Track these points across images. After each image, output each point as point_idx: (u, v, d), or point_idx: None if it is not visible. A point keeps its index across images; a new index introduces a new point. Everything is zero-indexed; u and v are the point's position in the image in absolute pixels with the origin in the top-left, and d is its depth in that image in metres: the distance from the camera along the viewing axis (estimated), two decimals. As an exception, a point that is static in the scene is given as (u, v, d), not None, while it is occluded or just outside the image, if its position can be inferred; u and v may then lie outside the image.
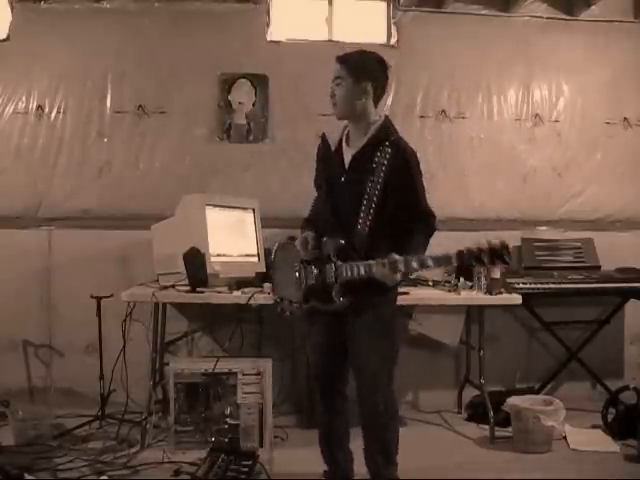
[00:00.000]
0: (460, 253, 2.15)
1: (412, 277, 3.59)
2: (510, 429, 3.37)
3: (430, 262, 2.23)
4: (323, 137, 2.61)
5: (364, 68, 2.44)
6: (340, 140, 2.53)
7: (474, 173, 4.14)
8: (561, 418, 3.32)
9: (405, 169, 2.39)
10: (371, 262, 2.28)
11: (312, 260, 2.49)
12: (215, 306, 3.42)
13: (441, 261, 2.23)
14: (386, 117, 2.52)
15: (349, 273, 2.34)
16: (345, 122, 2.55)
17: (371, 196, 2.35)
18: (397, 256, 2.23)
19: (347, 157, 2.47)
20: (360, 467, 2.63)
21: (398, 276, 2.26)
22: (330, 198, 2.50)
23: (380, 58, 2.50)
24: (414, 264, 2.24)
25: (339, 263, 2.37)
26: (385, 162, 2.35)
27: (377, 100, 2.49)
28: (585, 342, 4.00)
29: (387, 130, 2.45)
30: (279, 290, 2.69)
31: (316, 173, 2.66)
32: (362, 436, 2.54)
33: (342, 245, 2.39)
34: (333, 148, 2.53)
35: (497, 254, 2.11)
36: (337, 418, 2.67)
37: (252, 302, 3.10)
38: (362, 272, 2.30)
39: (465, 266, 2.23)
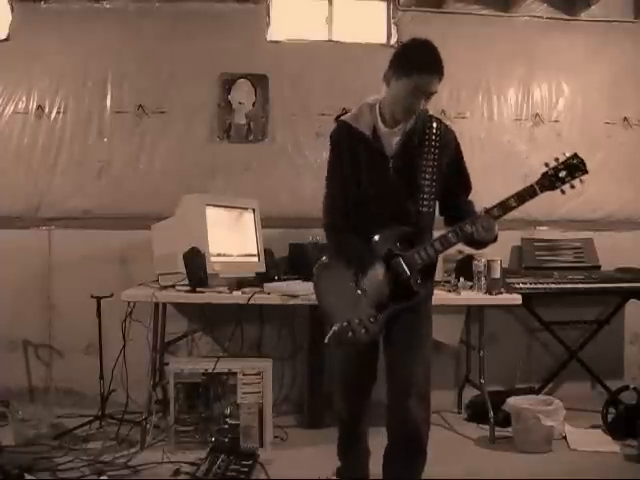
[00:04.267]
0: (542, 179, 2.15)
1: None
2: (510, 429, 3.37)
3: (513, 201, 2.19)
4: (346, 124, 2.34)
5: None
6: (373, 123, 2.31)
7: (474, 173, 4.11)
8: (561, 418, 3.32)
9: (456, 145, 2.38)
10: (450, 231, 2.22)
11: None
12: (215, 306, 3.42)
13: (524, 195, 2.18)
14: None
15: (424, 257, 2.24)
16: (367, 100, 2.36)
17: (429, 177, 2.28)
18: (484, 208, 2.21)
19: (390, 140, 2.30)
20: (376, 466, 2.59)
21: (496, 225, 2.21)
22: (377, 189, 2.29)
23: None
24: (496, 211, 2.20)
25: (407, 254, 2.25)
26: (436, 141, 2.29)
27: None
28: (585, 342, 4.00)
29: (426, 110, 2.33)
30: (341, 316, 2.31)
31: (340, 167, 2.34)
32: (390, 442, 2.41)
33: (406, 231, 2.27)
34: (369, 133, 2.29)
35: (573, 166, 2.13)
36: (365, 417, 2.60)
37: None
38: (439, 249, 2.24)
39: (551, 188, 2.17)
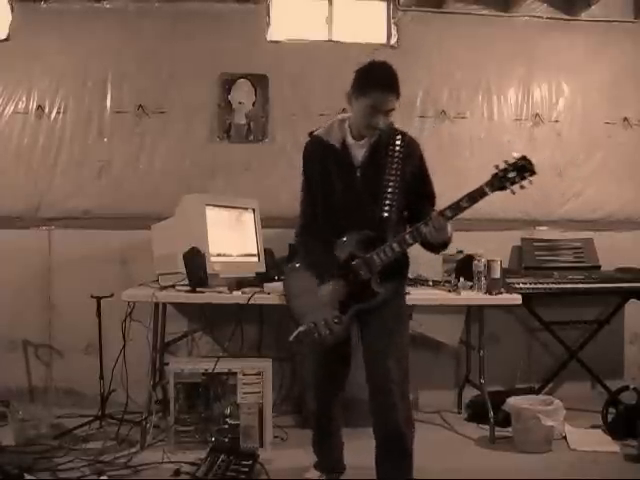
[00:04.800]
0: (492, 180, 2.25)
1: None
2: (510, 429, 3.36)
3: (464, 202, 2.28)
4: (318, 138, 2.53)
5: None
6: (342, 137, 2.49)
7: (474, 173, 4.13)
8: (561, 418, 3.32)
9: (420, 157, 2.52)
10: (407, 232, 2.34)
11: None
12: (215, 306, 3.41)
13: (475, 195, 2.28)
14: None
15: (382, 258, 2.37)
16: (338, 117, 2.55)
17: (392, 185, 2.42)
18: (437, 210, 2.31)
19: (358, 151, 2.47)
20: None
21: (449, 226, 2.30)
22: (345, 196, 2.45)
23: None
24: (448, 212, 2.29)
25: (367, 256, 2.38)
26: (400, 152, 2.45)
27: None
28: (585, 342, 4.00)
29: (391, 123, 2.49)
30: (308, 317, 2.45)
31: (310, 177, 2.55)
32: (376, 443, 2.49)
33: (368, 235, 2.40)
34: (338, 145, 2.48)
35: (522, 167, 2.23)
36: (337, 413, 2.74)
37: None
38: (396, 249, 2.35)
39: (501, 189, 2.26)
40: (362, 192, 2.44)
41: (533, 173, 2.25)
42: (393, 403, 2.39)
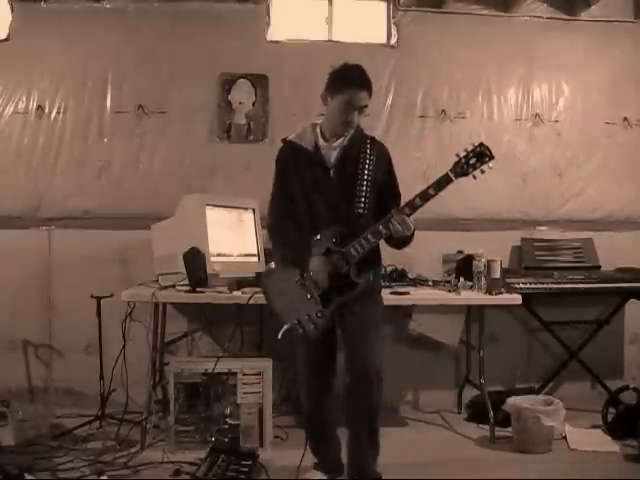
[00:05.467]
0: (454, 167, 2.43)
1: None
2: (510, 429, 3.36)
3: (432, 190, 2.43)
4: (291, 142, 2.67)
5: None
6: (315, 140, 2.64)
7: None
8: (561, 418, 3.32)
9: (388, 159, 2.69)
10: (380, 223, 2.47)
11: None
12: (215, 306, 3.41)
13: (441, 183, 2.43)
14: None
15: (359, 250, 2.49)
16: (310, 122, 2.70)
17: (364, 184, 2.57)
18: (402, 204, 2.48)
19: (330, 153, 2.62)
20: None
21: (411, 222, 2.45)
22: (319, 195, 2.59)
23: None
24: (418, 200, 2.44)
25: (344, 249, 2.50)
26: (370, 154, 2.61)
27: None
28: (585, 342, 4.00)
29: (359, 126, 2.65)
30: (291, 316, 2.55)
31: (284, 179, 2.68)
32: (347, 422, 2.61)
33: (342, 231, 2.52)
34: (311, 148, 2.62)
35: (481, 153, 2.42)
36: (329, 413, 2.77)
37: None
38: (371, 240, 2.48)
39: (464, 174, 2.44)
40: (336, 191, 2.59)
41: (491, 158, 2.42)
42: (370, 391, 2.52)
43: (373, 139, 2.68)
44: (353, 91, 2.49)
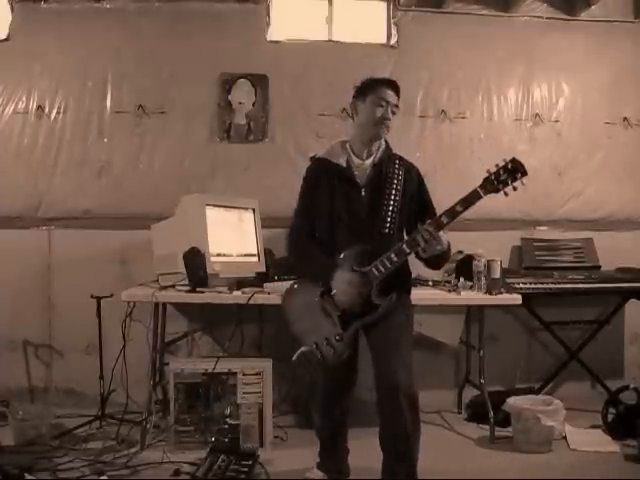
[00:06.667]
0: (484, 183, 2.32)
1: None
2: (510, 429, 3.36)
3: (459, 207, 2.34)
4: (323, 159, 2.64)
5: None
6: (346, 157, 2.61)
7: (474, 173, 4.12)
8: (561, 418, 3.32)
9: (420, 179, 2.66)
10: (404, 242, 2.39)
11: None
12: (215, 306, 3.41)
13: (469, 200, 2.34)
14: None
15: (382, 270, 2.41)
16: (337, 140, 2.68)
17: (392, 204, 2.54)
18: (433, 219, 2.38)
19: (361, 172, 2.59)
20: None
21: (444, 236, 2.38)
22: (347, 213, 2.55)
23: None
24: (444, 218, 2.35)
25: (366, 269, 2.42)
26: (400, 173, 2.58)
27: None
28: (585, 342, 4.00)
29: (387, 143, 2.65)
30: (309, 338, 2.48)
31: (313, 195, 2.61)
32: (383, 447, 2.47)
33: (366, 250, 2.45)
34: (344, 164, 2.60)
35: (512, 169, 2.30)
36: (341, 428, 2.77)
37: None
38: (394, 260, 2.39)
39: (495, 191, 2.33)
40: (365, 209, 2.55)
41: (524, 174, 2.31)
42: (400, 409, 2.35)
43: (401, 158, 2.64)
44: (383, 89, 2.52)
